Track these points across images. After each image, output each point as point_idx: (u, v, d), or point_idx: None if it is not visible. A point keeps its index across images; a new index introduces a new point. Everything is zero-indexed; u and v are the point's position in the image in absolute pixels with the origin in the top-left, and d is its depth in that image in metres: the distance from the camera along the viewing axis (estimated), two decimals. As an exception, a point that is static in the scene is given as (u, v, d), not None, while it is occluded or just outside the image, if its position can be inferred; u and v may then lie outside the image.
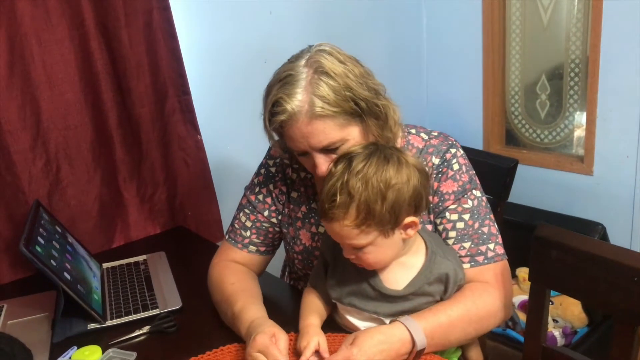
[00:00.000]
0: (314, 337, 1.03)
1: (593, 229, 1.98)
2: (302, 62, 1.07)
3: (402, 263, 1.07)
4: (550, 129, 2.31)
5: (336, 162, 1.02)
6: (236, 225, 1.33)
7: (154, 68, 1.71)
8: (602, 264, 0.98)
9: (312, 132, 1.05)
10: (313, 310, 1.11)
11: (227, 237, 1.35)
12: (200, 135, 1.84)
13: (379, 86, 1.12)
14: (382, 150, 1.01)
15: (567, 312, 1.99)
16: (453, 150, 1.19)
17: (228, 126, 2.02)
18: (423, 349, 1.01)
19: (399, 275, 1.07)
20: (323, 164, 1.08)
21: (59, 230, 1.49)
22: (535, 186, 2.26)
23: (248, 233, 1.31)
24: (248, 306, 1.15)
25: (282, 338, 1.02)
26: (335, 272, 1.11)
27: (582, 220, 2.03)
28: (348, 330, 1.12)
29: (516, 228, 1.68)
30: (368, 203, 0.96)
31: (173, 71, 1.74)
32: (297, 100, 1.04)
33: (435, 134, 1.23)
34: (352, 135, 1.08)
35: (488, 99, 2.41)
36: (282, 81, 1.07)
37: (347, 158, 1.01)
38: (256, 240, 1.32)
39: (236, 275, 1.27)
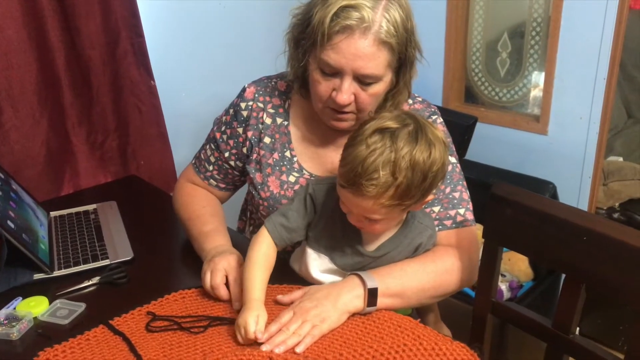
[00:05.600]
0: (254, 312, 0.95)
1: (544, 188, 2.02)
2: None
3: None
4: (509, 87, 2.32)
5: (372, 135, 0.93)
6: (202, 156, 1.36)
7: (105, 7, 1.62)
8: (555, 223, 0.99)
9: (366, 54, 1.02)
10: (260, 281, 1.02)
11: (193, 162, 1.38)
12: (154, 80, 1.77)
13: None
14: (423, 127, 0.95)
15: (514, 267, 2.06)
16: (434, 117, 1.23)
17: (184, 71, 1.95)
18: (375, 289, 1.01)
19: (379, 236, 1.08)
20: (347, 91, 1.07)
21: (2, 176, 1.41)
22: (492, 144, 2.28)
23: (211, 167, 1.34)
24: (220, 232, 1.22)
25: None
26: (320, 221, 1.09)
27: (535, 179, 2.07)
28: (305, 278, 1.12)
29: (471, 185, 1.70)
30: (409, 186, 0.93)
31: (126, 11, 1.65)
32: (372, 15, 1.01)
33: (420, 99, 1.26)
34: (386, 80, 1.10)
35: (450, 54, 2.39)
36: None
37: (389, 132, 0.93)
38: (217, 176, 1.34)
39: (207, 200, 1.33)
